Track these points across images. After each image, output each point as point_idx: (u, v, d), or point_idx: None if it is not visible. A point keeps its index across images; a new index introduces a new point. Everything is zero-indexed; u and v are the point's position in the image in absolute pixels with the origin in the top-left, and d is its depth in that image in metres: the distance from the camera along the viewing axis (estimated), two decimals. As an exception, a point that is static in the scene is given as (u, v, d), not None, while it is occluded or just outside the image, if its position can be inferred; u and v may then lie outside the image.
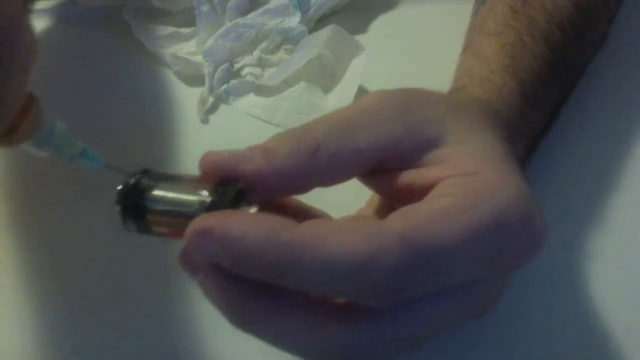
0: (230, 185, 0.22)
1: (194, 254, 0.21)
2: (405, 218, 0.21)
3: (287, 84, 0.40)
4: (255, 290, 0.22)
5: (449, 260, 0.20)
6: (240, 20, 0.42)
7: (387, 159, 0.24)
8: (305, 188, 0.24)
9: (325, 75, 0.40)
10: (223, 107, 0.41)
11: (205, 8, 0.42)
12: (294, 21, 0.42)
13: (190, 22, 0.43)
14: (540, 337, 0.29)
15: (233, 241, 0.20)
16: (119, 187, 0.23)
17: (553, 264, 0.30)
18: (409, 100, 0.24)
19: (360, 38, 0.40)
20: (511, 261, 0.22)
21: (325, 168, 0.23)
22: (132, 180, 0.23)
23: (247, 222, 0.20)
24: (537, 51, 0.33)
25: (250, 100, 0.41)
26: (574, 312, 0.30)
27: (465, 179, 0.22)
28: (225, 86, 0.41)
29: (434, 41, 0.41)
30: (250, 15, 0.42)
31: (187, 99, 0.41)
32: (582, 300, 0.30)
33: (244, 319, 0.22)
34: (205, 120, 0.40)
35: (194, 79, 0.42)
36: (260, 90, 0.41)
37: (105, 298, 0.33)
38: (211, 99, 0.41)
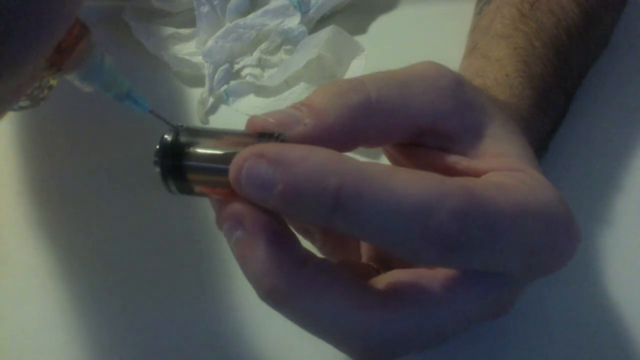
0: (274, 135, 0.21)
1: (242, 189, 0.19)
2: (467, 180, 0.21)
3: (287, 84, 0.40)
4: (297, 258, 0.21)
5: (503, 227, 0.20)
6: (240, 21, 0.42)
7: (431, 130, 0.23)
8: (349, 148, 0.23)
9: (325, 76, 0.40)
10: (223, 108, 0.41)
11: (205, 9, 0.42)
12: (294, 22, 0.42)
13: (191, 23, 0.43)
14: (556, 334, 0.30)
15: (291, 164, 0.18)
16: (157, 147, 0.22)
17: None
18: (462, 79, 0.24)
19: (360, 39, 0.40)
20: (551, 259, 0.22)
21: (375, 127, 0.22)
22: (170, 138, 0.22)
23: (308, 148, 0.19)
24: (546, 57, 0.32)
25: (250, 101, 0.41)
26: (591, 309, 0.30)
27: (514, 172, 0.22)
28: (225, 87, 0.41)
29: (434, 41, 0.41)
30: (250, 16, 0.42)
31: (187, 99, 0.41)
32: (599, 298, 0.30)
33: (279, 288, 0.20)
34: (205, 121, 0.40)
35: (194, 80, 0.42)
36: (260, 91, 0.41)
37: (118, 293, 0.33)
38: (211, 100, 0.41)
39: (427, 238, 0.19)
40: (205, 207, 0.23)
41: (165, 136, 0.22)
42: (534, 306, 0.30)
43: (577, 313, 0.30)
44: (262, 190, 0.19)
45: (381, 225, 0.19)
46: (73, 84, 0.24)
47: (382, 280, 0.22)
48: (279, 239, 0.21)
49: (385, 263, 0.26)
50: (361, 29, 0.44)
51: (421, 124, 0.23)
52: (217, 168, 0.21)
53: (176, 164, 0.21)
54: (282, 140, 0.21)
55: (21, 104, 0.30)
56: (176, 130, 0.22)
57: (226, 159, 0.21)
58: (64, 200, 0.37)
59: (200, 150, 0.21)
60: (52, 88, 0.30)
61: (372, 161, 0.20)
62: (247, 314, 0.31)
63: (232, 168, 0.20)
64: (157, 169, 0.22)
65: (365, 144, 0.23)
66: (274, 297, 0.21)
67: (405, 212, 0.19)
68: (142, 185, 0.36)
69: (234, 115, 0.40)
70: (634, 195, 0.34)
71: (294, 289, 0.20)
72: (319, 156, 0.19)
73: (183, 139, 0.22)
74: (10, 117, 0.40)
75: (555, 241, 0.22)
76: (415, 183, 0.19)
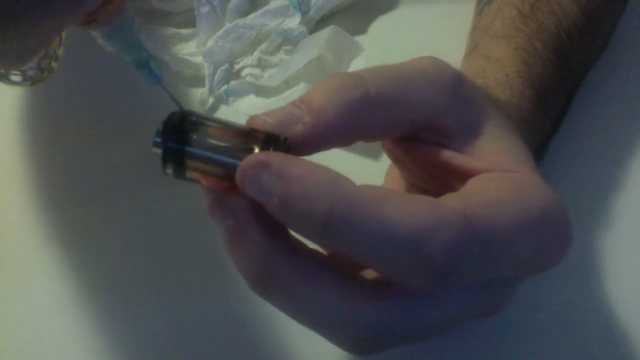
0: (280, 138, 0.21)
1: (245, 189, 0.20)
2: (463, 200, 0.20)
3: (287, 84, 0.40)
4: (288, 248, 0.21)
5: (501, 246, 0.20)
6: (241, 21, 0.42)
7: (429, 126, 0.23)
8: (348, 143, 0.23)
9: (325, 76, 0.40)
10: (223, 108, 0.41)
11: (205, 9, 0.42)
12: (294, 22, 0.42)
13: (191, 23, 0.43)
14: (554, 334, 0.30)
15: (292, 179, 0.19)
16: (161, 127, 0.21)
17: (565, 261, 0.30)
18: (462, 76, 0.24)
19: (360, 39, 0.40)
20: (547, 260, 0.22)
21: (375, 122, 0.22)
22: (176, 121, 0.21)
23: (309, 166, 0.19)
24: (547, 57, 0.32)
25: (250, 101, 0.41)
26: (590, 309, 0.30)
27: (511, 175, 0.22)
28: (225, 87, 0.41)
29: (434, 41, 0.41)
30: (250, 16, 0.42)
31: (187, 99, 0.41)
32: (598, 298, 0.30)
33: (268, 277, 0.20)
34: (205, 121, 0.40)
35: (194, 80, 0.42)
36: (260, 91, 0.41)
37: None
38: (211, 100, 0.41)
39: (418, 268, 0.19)
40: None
41: (171, 117, 0.21)
42: (532, 306, 0.30)
43: (576, 313, 0.30)
44: (261, 196, 0.20)
45: (370, 252, 0.19)
46: (97, 41, 0.24)
47: (374, 272, 0.22)
48: (270, 229, 0.21)
49: None
50: (361, 29, 0.44)
51: (420, 119, 0.23)
52: (219, 160, 0.21)
53: (179, 148, 0.21)
54: (286, 139, 0.21)
55: (30, 73, 0.30)
56: (182, 114, 0.22)
57: (229, 152, 0.21)
58: (64, 199, 0.37)
59: (205, 140, 0.21)
60: (58, 58, 0.29)
61: (369, 184, 0.20)
62: (248, 314, 0.31)
63: (239, 171, 0.20)
64: (157, 150, 0.21)
65: (365, 138, 0.23)
66: (263, 286, 0.21)
67: (395, 242, 0.19)
68: (144, 184, 0.36)
69: (234, 116, 0.40)
70: (634, 196, 0.34)
71: (282, 278, 0.20)
72: (316, 178, 0.19)
73: (189, 123, 0.21)
74: (11, 116, 0.40)
75: (551, 243, 0.22)
76: (408, 211, 0.19)
